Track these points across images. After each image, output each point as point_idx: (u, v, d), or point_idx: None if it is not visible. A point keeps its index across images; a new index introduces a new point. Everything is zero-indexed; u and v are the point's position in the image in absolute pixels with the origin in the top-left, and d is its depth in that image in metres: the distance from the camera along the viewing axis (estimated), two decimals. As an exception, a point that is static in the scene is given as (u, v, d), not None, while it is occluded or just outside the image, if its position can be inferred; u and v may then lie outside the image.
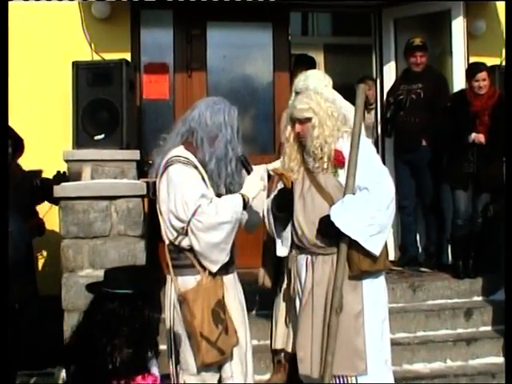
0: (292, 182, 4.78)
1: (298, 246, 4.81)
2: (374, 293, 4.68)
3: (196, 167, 4.44)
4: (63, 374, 5.69)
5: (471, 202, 7.38)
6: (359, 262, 4.54)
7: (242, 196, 4.48)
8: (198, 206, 4.32)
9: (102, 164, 6.71)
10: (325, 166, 4.66)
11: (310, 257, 4.74)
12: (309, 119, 4.68)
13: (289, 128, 4.82)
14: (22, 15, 7.87)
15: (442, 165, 7.68)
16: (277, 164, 4.90)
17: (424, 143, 7.80)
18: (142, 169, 7.20)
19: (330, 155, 4.63)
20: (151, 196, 4.63)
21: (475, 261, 7.46)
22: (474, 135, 7.14)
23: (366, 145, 4.67)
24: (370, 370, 4.58)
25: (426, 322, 6.80)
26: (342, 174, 4.59)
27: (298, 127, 4.72)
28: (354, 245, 4.50)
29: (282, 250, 4.94)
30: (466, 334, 6.82)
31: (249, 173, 4.60)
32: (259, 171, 4.65)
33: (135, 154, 6.99)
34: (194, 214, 4.31)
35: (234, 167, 4.50)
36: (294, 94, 5.58)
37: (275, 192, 4.89)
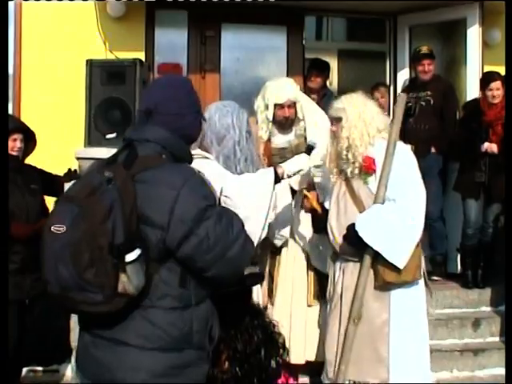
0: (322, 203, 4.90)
1: (334, 252, 4.82)
2: (405, 302, 4.62)
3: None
4: (68, 371, 5.72)
5: (482, 211, 7.35)
6: (384, 273, 4.50)
7: (275, 169, 4.38)
8: (224, 182, 4.26)
9: (114, 163, 6.68)
10: (356, 171, 4.64)
11: (343, 262, 4.73)
12: (340, 119, 4.68)
13: (330, 128, 4.85)
14: (38, 13, 7.91)
15: (451, 173, 7.65)
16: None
17: (433, 150, 7.77)
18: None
19: (360, 161, 4.63)
20: None
21: (484, 271, 7.43)
22: (486, 145, 7.11)
23: (402, 153, 4.59)
24: (393, 379, 4.56)
25: (433, 331, 6.74)
26: (373, 181, 4.57)
27: (333, 126, 4.77)
28: (379, 256, 4.47)
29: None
30: (473, 344, 6.80)
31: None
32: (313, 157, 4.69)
33: (146, 154, 6.96)
34: (221, 193, 4.24)
35: (243, 167, 4.50)
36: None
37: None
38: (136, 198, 2.74)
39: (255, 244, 4.25)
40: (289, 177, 4.53)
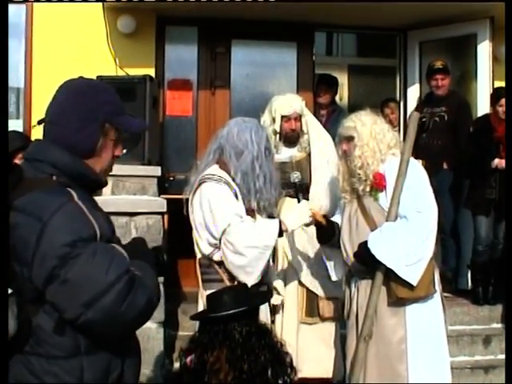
0: (336, 223, 4.88)
1: (349, 270, 4.81)
2: (421, 317, 4.58)
3: (228, 183, 4.47)
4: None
5: (492, 228, 7.32)
6: (396, 290, 4.48)
7: (280, 223, 4.50)
8: (228, 224, 4.35)
9: (123, 179, 6.69)
10: (367, 188, 4.63)
11: (358, 280, 4.71)
12: (352, 138, 4.67)
13: (340, 147, 4.84)
14: (48, 29, 7.93)
15: (463, 190, 7.63)
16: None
17: (445, 166, 7.75)
18: (163, 185, 7.20)
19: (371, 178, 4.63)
20: (184, 212, 4.64)
21: (495, 287, 7.38)
22: (497, 161, 7.08)
23: (413, 169, 4.56)
24: None
25: (443, 348, 6.74)
26: (383, 197, 4.56)
27: (344, 145, 4.74)
28: (391, 272, 4.44)
29: (335, 273, 5.04)
30: (483, 361, 6.76)
31: (299, 201, 4.70)
32: (309, 205, 4.73)
33: (156, 170, 6.98)
34: (223, 233, 4.36)
35: (262, 184, 4.51)
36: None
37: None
38: (9, 230, 2.38)
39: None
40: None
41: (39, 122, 2.68)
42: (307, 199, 4.92)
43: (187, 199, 4.68)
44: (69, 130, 2.62)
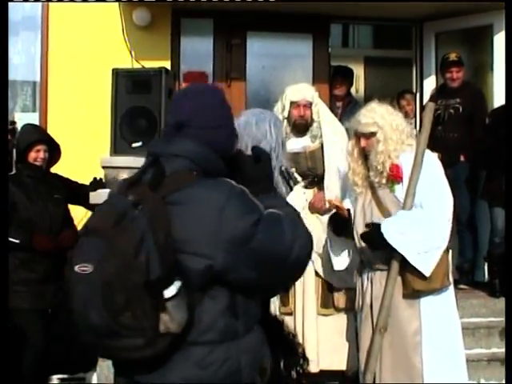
0: (348, 209, 4.85)
1: (361, 261, 4.80)
2: (436, 309, 4.60)
3: None
4: (94, 379, 5.74)
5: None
6: (412, 281, 4.48)
7: None
8: None
9: (139, 171, 6.69)
10: (383, 181, 4.62)
11: (370, 272, 4.70)
12: (374, 134, 4.64)
13: (351, 142, 4.81)
14: (64, 23, 7.96)
15: (480, 181, 7.60)
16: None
17: (462, 159, 7.71)
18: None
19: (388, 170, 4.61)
20: None
21: (512, 279, 7.36)
22: (514, 152, 7.05)
23: (429, 161, 4.56)
24: None
25: (460, 340, 6.73)
26: (400, 189, 4.55)
27: (363, 142, 4.70)
28: (407, 263, 4.43)
29: (339, 263, 5.00)
30: (500, 353, 6.70)
31: (291, 189, 4.66)
32: (302, 197, 4.70)
33: (172, 162, 6.96)
34: None
35: (277, 176, 4.51)
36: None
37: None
38: (170, 224, 2.43)
39: None
40: None
41: (179, 125, 2.70)
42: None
43: None
44: (213, 130, 2.73)
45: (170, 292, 2.38)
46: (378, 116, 4.65)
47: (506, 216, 6.40)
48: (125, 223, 2.39)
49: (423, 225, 4.45)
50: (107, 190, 6.05)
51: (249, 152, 4.43)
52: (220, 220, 2.47)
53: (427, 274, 4.45)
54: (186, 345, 2.49)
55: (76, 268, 2.40)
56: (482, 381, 6.42)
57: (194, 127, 2.69)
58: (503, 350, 6.74)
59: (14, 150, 6.12)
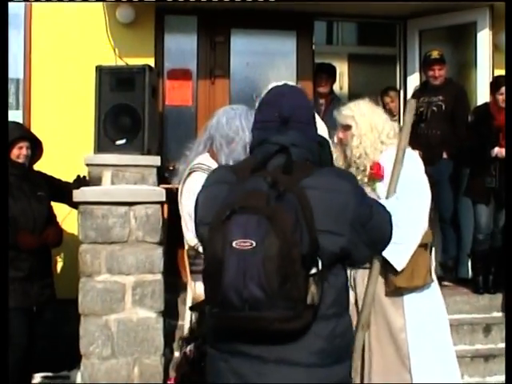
0: None
1: None
2: (420, 307, 4.57)
3: None
4: (78, 377, 5.72)
5: (492, 216, 7.33)
6: (394, 279, 4.46)
7: None
8: None
9: (123, 169, 6.69)
10: (365, 179, 4.59)
11: (352, 270, 4.69)
12: (349, 127, 4.64)
13: (336, 134, 4.80)
14: (47, 20, 7.92)
15: (463, 179, 7.62)
16: None
17: (445, 156, 7.73)
18: (163, 175, 7.20)
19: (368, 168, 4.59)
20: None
21: (495, 276, 7.39)
22: (497, 149, 7.08)
23: (409, 157, 4.48)
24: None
25: (443, 337, 6.75)
26: (381, 186, 4.52)
27: (340, 133, 4.69)
28: (388, 262, 4.43)
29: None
30: (484, 350, 6.76)
31: None
32: None
33: (156, 160, 6.97)
34: None
35: None
36: None
37: None
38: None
39: None
40: None
41: (285, 119, 2.88)
42: None
43: (177, 189, 4.68)
44: (309, 126, 2.96)
45: (314, 267, 2.55)
46: (358, 111, 4.63)
47: (506, 216, 6.40)
48: (277, 203, 2.55)
49: (396, 214, 4.43)
50: (90, 188, 6.05)
51: (223, 151, 4.45)
52: (349, 203, 2.70)
53: (399, 269, 4.43)
54: (315, 319, 2.61)
55: (234, 244, 2.49)
56: (466, 377, 6.42)
57: (296, 121, 2.88)
58: (487, 346, 6.81)
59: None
